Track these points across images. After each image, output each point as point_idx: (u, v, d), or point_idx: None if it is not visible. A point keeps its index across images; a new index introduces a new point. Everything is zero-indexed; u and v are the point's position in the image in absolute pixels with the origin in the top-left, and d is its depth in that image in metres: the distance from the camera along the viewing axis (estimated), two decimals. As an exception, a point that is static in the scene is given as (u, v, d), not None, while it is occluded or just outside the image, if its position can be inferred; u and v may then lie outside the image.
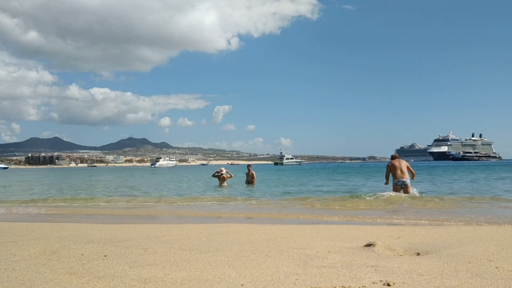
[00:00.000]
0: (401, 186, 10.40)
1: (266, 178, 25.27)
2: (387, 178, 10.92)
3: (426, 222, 6.59)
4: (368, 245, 3.81)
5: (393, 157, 10.97)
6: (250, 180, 17.13)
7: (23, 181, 29.57)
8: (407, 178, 10.47)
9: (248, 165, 17.97)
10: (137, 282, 2.71)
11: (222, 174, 16.86)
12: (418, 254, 3.58)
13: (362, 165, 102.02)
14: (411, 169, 10.64)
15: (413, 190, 10.50)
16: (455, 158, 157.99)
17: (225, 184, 16.58)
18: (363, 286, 2.56)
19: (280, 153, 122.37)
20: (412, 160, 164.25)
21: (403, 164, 10.59)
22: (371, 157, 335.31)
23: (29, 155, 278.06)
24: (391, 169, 10.62)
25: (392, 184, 10.67)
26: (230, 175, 16.92)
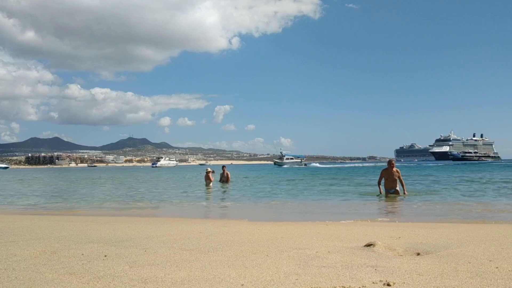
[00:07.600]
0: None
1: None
2: (379, 183, 11.81)
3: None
4: (368, 245, 3.81)
5: (389, 162, 11.62)
6: (225, 180, 18.47)
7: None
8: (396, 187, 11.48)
9: (223, 166, 19.55)
10: (137, 282, 2.71)
11: (208, 173, 17.86)
12: (418, 254, 3.58)
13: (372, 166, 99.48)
14: (402, 179, 11.52)
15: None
16: (455, 158, 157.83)
17: (211, 185, 17.27)
18: (363, 286, 2.56)
19: (281, 152, 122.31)
20: (415, 160, 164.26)
21: (395, 174, 11.41)
22: (371, 157, 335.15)
23: (29, 155, 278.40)
24: (383, 176, 11.56)
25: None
26: (213, 177, 18.00)
